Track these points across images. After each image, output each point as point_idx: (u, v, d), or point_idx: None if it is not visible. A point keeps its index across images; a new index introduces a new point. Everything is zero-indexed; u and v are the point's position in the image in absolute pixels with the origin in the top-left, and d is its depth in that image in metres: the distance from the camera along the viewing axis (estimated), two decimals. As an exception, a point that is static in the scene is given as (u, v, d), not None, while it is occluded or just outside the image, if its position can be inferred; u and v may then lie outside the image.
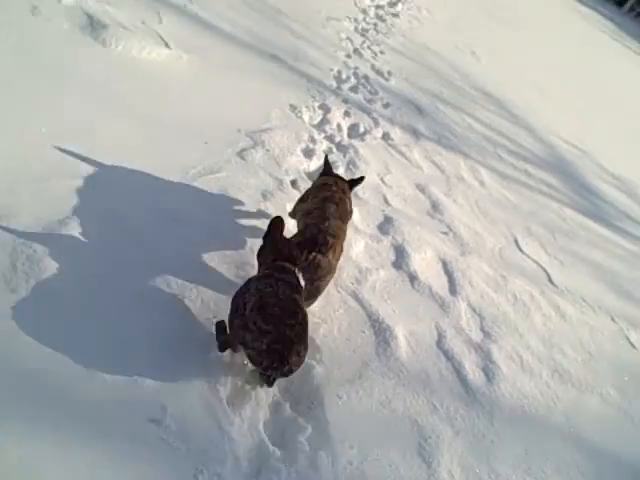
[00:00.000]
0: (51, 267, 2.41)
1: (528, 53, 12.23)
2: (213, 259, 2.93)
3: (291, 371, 2.33)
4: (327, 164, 3.41)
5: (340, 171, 4.34)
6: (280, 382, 2.51)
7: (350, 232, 3.66)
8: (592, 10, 32.98)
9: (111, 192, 2.95)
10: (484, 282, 3.98)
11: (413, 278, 3.64)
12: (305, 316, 2.42)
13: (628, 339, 4.28)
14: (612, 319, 4.41)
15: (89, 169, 3.01)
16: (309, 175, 4.14)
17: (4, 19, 3.79)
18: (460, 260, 4.07)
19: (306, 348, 2.38)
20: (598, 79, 14.48)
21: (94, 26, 4.18)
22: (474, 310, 3.67)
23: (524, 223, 5.12)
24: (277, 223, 2.74)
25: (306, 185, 3.83)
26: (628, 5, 53.94)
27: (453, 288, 3.76)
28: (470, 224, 4.61)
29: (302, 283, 2.62)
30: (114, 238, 2.69)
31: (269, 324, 2.27)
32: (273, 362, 2.26)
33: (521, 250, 4.67)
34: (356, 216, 3.89)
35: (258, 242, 2.76)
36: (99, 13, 4.36)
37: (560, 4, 28.63)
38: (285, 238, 2.74)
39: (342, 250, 2.88)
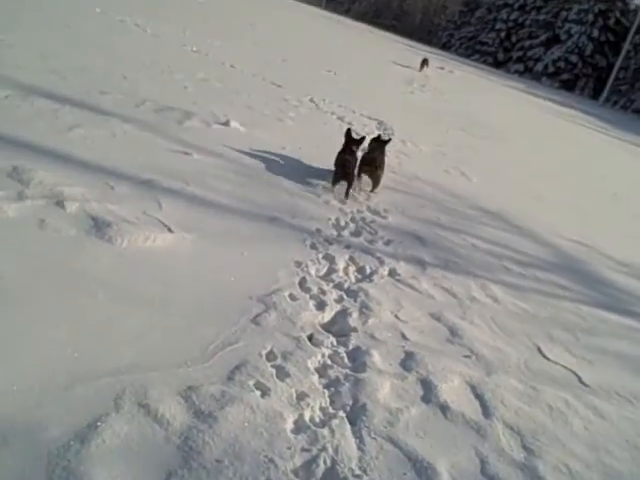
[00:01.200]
0: (87, 478, 2.48)
1: (517, 164, 12.66)
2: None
3: (346, 175, 6.92)
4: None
5: (354, 316, 4.44)
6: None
7: (373, 374, 3.76)
8: (570, 109, 34.08)
9: (136, 386, 3.05)
10: (516, 398, 3.99)
11: (445, 409, 3.66)
12: (350, 161, 6.97)
13: (674, 426, 4.24)
14: (652, 407, 4.39)
15: (110, 368, 3.12)
16: (324, 327, 4.25)
17: (14, 238, 4.04)
18: (488, 381, 4.10)
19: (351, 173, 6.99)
20: (591, 173, 14.87)
21: (99, 226, 4.44)
22: (512, 429, 3.67)
23: (544, 330, 5.17)
24: (348, 131, 7.31)
25: (321, 337, 4.00)
26: (603, 96, 56.07)
27: (486, 411, 3.77)
28: (491, 342, 4.67)
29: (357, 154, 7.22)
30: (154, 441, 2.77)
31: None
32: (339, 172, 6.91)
33: (547, 358, 4.69)
34: (377, 358, 3.97)
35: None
36: (102, 213, 4.64)
37: (540, 110, 29.70)
38: (350, 136, 7.24)
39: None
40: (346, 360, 3.92)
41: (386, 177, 8.24)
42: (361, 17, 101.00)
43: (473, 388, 3.98)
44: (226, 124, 8.14)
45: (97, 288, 3.77)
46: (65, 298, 3.59)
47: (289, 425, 3.14)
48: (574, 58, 70.03)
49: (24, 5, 12.93)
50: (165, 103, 8.19)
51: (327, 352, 3.95)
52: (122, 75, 9.02)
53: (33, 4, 13.42)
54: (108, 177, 5.39)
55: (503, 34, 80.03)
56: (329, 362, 3.85)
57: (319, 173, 7.46)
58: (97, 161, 5.65)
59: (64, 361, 3.06)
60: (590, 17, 69.13)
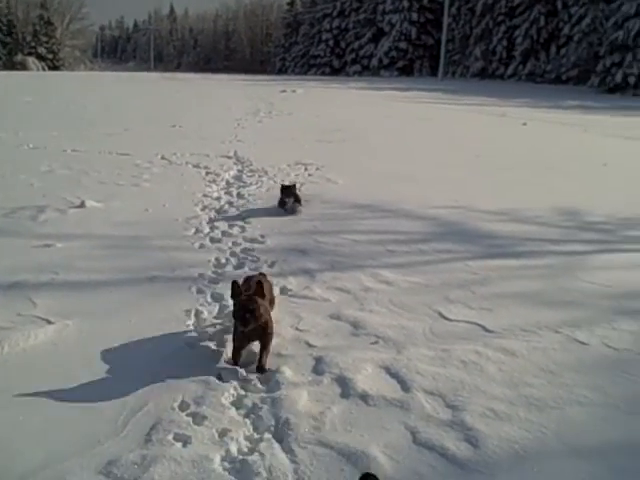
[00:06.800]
0: None
1: (378, 157, 12.98)
2: None
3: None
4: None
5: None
6: None
7: (288, 389, 3.77)
8: (413, 91, 35.35)
9: None
10: (430, 365, 4.09)
11: (365, 397, 3.71)
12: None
13: (577, 340, 4.45)
14: (555, 331, 4.59)
15: (22, 471, 3.01)
16: (230, 361, 4.22)
17: None
18: (399, 358, 4.18)
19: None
20: (450, 142, 15.41)
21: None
22: (433, 393, 3.75)
23: (440, 295, 5.32)
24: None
25: (229, 372, 4.00)
26: (440, 71, 59.29)
27: (405, 385, 3.84)
28: (394, 323, 4.76)
29: None
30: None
31: None
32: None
33: (448, 319, 4.83)
34: (288, 373, 3.98)
35: None
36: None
37: (385, 99, 30.62)
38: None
39: None
40: (259, 385, 3.90)
41: (255, 204, 8.38)
42: (193, 67, 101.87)
43: (387, 369, 4.05)
44: (82, 206, 7.98)
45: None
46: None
47: (217, 464, 3.10)
48: (403, 45, 72.57)
49: None
50: (13, 205, 7.94)
51: (238, 384, 3.92)
52: (-38, 194, 8.72)
53: None
54: (-29, 293, 5.20)
55: (331, 42, 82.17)
56: (243, 392, 3.83)
57: (187, 221, 7.45)
58: (-43, 281, 5.45)
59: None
60: (405, 3, 71.77)
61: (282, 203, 8.11)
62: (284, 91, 36.77)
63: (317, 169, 11.07)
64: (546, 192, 9.59)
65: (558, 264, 6.19)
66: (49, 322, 4.63)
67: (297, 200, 8.17)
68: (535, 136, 17.88)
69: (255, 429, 3.46)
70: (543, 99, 35.45)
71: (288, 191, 8.15)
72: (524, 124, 20.57)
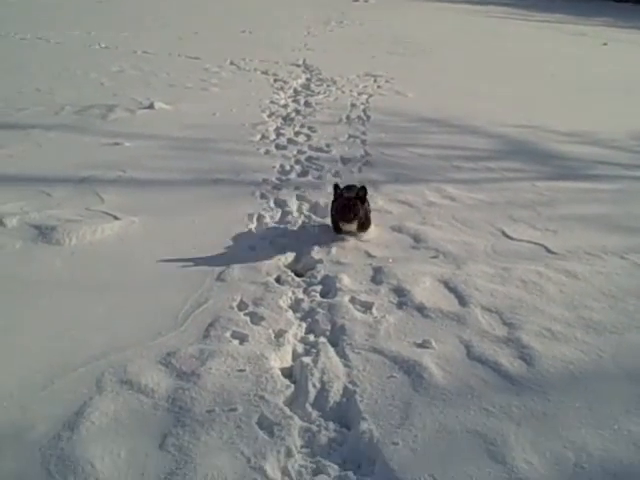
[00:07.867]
0: (83, 459, 2.50)
1: (448, 71, 12.62)
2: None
3: None
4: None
5: (316, 250, 4.47)
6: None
7: (346, 296, 3.81)
8: (486, 5, 34.15)
9: (115, 366, 3.07)
10: (489, 282, 4.07)
11: (422, 309, 3.72)
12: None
13: (643, 267, 4.36)
14: (621, 257, 4.49)
15: (85, 357, 3.13)
16: (290, 266, 4.28)
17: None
18: (459, 273, 4.16)
19: None
20: (524, 59, 14.85)
21: (44, 233, 4.40)
22: (490, 310, 3.74)
23: (505, 213, 5.25)
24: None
25: (288, 276, 4.08)
26: None
27: (462, 300, 3.84)
28: (455, 238, 4.72)
29: None
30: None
31: None
32: None
33: (511, 238, 4.77)
34: (346, 281, 4.01)
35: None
36: (44, 220, 4.61)
37: (458, 14, 29.64)
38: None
39: None
40: (317, 290, 3.96)
41: (321, 113, 8.31)
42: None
43: (446, 283, 4.05)
44: (151, 107, 8.05)
45: (55, 289, 3.78)
46: (25, 304, 3.61)
47: (272, 362, 3.18)
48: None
49: None
50: (84, 103, 8.07)
51: (297, 288, 3.98)
52: (35, 88, 8.86)
53: None
54: (43, 186, 5.34)
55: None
56: (301, 296, 3.89)
57: (253, 127, 7.44)
58: (29, 173, 5.62)
59: (36, 363, 3.07)
60: None
61: (337, 228, 4.76)
62: (357, 0, 35.85)
63: (386, 81, 10.86)
64: (624, 116, 9.22)
65: (629, 189, 6.02)
66: (116, 218, 4.75)
67: (363, 223, 4.72)
68: (616, 57, 17.11)
69: (311, 332, 3.54)
70: (626, 19, 33.71)
71: (348, 213, 4.60)
72: (604, 44, 19.66)
